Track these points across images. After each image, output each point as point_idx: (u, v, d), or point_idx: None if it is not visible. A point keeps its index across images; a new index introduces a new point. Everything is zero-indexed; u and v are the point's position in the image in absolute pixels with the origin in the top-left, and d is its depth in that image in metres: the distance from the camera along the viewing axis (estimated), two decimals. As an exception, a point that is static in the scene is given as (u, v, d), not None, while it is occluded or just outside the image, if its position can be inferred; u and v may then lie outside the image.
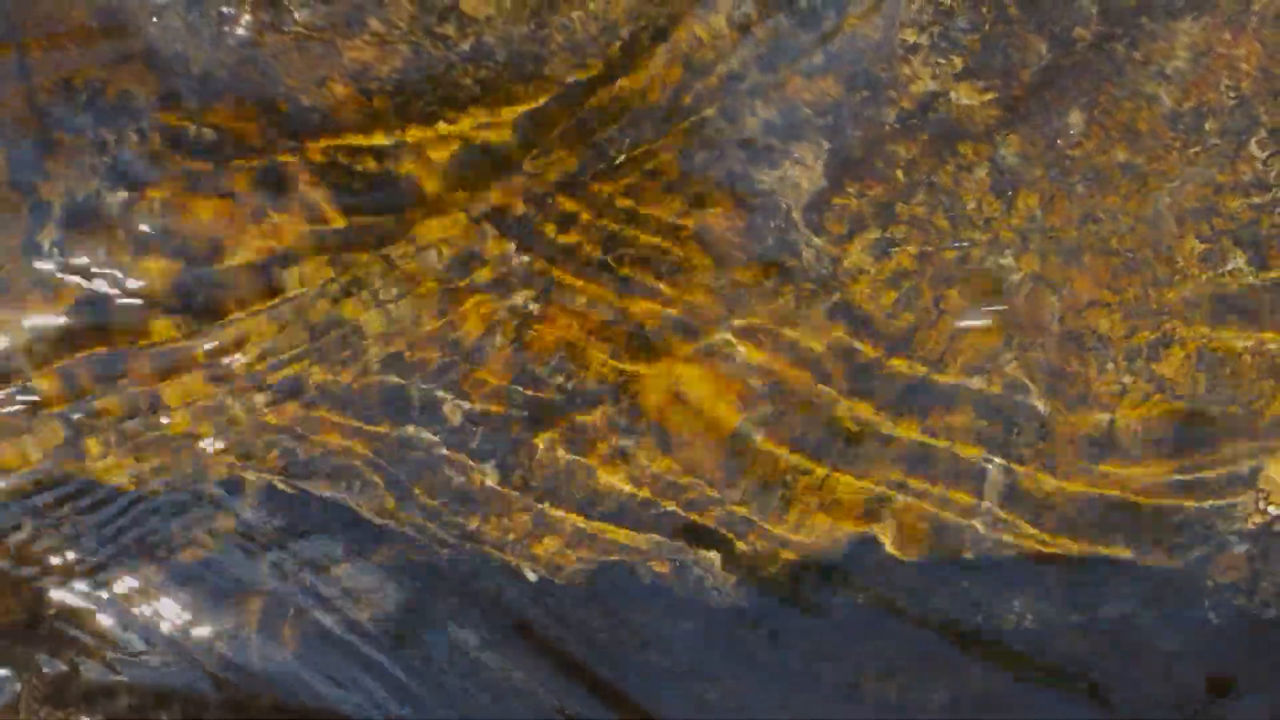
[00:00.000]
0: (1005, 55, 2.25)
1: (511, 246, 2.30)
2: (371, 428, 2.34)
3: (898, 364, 2.32)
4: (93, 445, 2.32)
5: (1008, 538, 2.35)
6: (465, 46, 2.19)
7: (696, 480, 2.35)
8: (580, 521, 2.36)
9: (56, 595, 2.36)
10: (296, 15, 2.17)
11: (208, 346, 2.30)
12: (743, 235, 2.30)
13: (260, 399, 2.32)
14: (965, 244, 2.29)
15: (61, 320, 2.28)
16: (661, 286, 2.32)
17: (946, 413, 2.33)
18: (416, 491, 2.36)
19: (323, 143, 2.25)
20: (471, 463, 2.35)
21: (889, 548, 2.36)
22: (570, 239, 2.31)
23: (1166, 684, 2.37)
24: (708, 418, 2.34)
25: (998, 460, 2.33)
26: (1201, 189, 2.27)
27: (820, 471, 2.35)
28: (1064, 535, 2.34)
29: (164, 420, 2.32)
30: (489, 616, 2.40)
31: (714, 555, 2.37)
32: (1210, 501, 2.33)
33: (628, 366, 2.33)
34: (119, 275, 2.27)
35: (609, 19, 2.22)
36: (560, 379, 2.33)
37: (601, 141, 2.29)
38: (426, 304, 2.31)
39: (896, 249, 2.30)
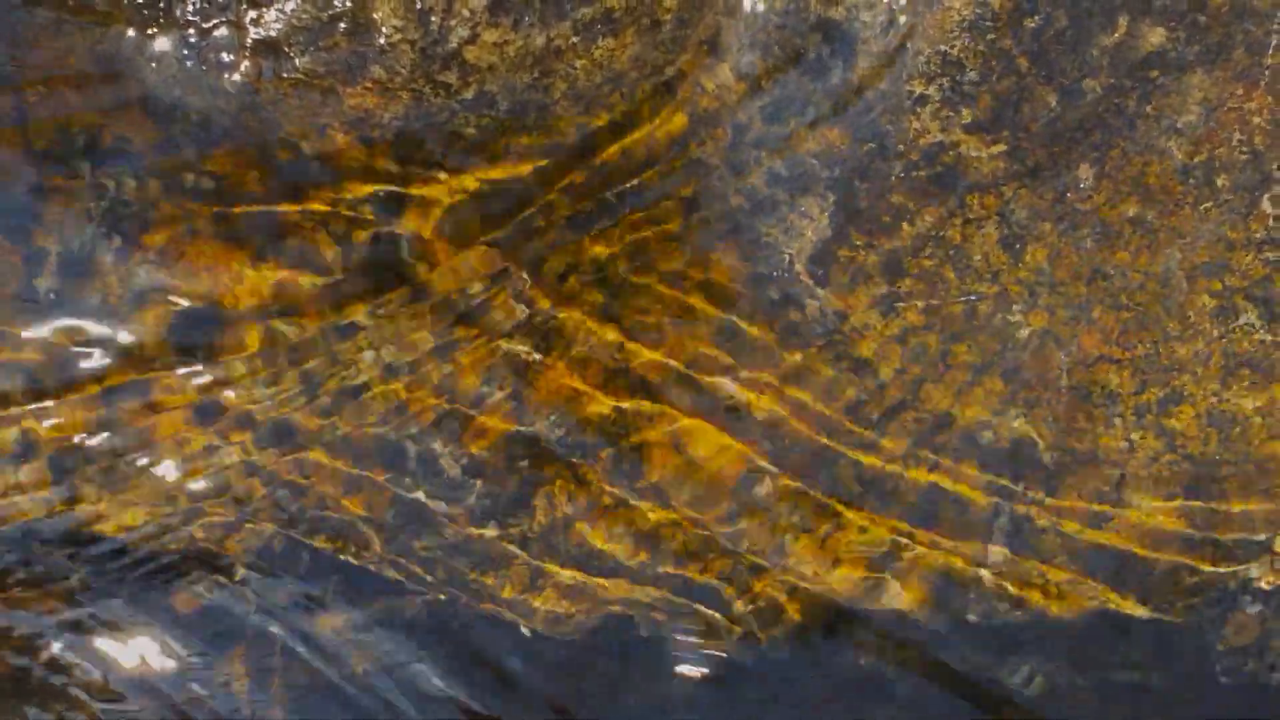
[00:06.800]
0: (1014, 108, 2.23)
1: (512, 295, 2.29)
2: (368, 478, 2.32)
3: (905, 418, 2.30)
4: (85, 490, 2.30)
5: (1015, 594, 2.32)
6: (468, 95, 2.18)
7: (698, 534, 2.33)
8: (578, 575, 2.34)
9: (45, 645, 2.34)
10: (296, 61, 2.15)
11: (203, 393, 2.28)
12: (747, 287, 2.28)
13: (255, 447, 2.30)
14: (973, 298, 2.27)
15: (56, 364, 2.26)
16: (664, 338, 2.30)
17: (953, 467, 2.31)
18: (413, 544, 2.34)
19: (322, 190, 2.24)
20: (469, 515, 2.32)
21: (894, 604, 2.33)
22: (572, 289, 2.29)
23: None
24: (710, 471, 2.32)
25: (1005, 516, 2.31)
26: (1213, 245, 2.25)
27: (824, 526, 2.32)
28: (1073, 592, 2.32)
29: (157, 467, 2.30)
30: (484, 671, 2.37)
31: (715, 610, 2.35)
32: (1223, 564, 2.31)
33: (629, 418, 2.31)
34: (114, 321, 2.25)
35: (614, 69, 2.20)
36: (560, 430, 2.31)
37: (605, 191, 2.27)
38: (425, 353, 2.29)
39: (902, 303, 2.28)
